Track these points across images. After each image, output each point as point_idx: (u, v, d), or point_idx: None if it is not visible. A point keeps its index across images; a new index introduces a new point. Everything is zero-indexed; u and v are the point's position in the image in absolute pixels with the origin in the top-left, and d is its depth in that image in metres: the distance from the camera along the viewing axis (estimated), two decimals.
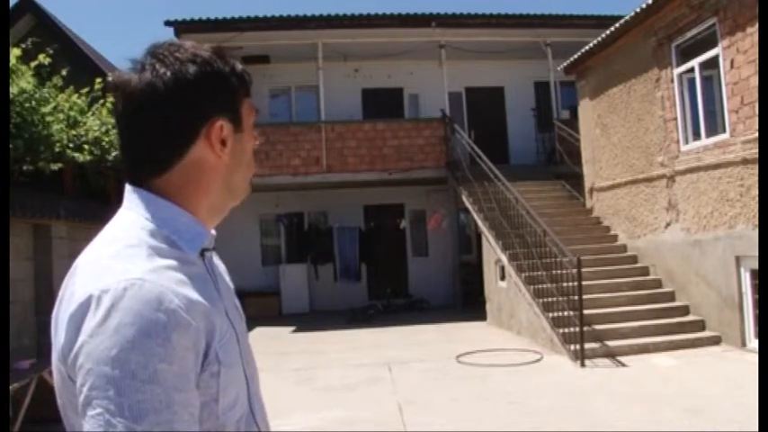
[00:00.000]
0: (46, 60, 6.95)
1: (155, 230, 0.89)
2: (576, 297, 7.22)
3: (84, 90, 8.17)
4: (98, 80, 8.38)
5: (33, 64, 6.78)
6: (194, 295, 0.84)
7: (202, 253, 0.96)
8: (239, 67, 0.98)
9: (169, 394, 0.76)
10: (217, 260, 1.07)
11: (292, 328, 11.38)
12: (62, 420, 0.87)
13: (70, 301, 0.82)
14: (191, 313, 0.81)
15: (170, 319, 0.78)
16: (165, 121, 0.91)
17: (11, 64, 6.19)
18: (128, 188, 0.94)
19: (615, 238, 10.09)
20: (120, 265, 0.82)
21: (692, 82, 8.25)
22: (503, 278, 9.98)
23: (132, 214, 0.91)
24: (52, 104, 6.80)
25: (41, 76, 7.01)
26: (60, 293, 0.87)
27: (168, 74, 0.90)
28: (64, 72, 7.58)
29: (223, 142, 0.93)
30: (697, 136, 8.15)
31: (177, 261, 0.87)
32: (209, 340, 0.85)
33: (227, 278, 1.10)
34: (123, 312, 0.77)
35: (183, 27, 12.32)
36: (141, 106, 0.90)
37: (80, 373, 0.77)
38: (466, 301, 12.41)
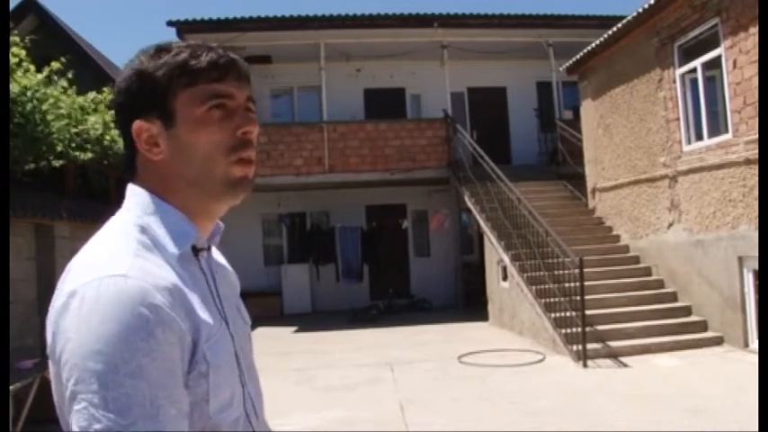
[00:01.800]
0: (57, 66, 7.01)
1: (144, 228, 0.89)
2: (579, 297, 7.21)
3: (91, 96, 8.23)
4: (106, 89, 8.46)
5: (47, 69, 6.84)
6: (179, 293, 0.84)
7: (197, 252, 0.95)
8: (181, 57, 0.92)
9: (153, 389, 0.76)
10: (221, 261, 1.06)
11: (294, 328, 11.39)
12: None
13: (59, 298, 0.83)
14: (175, 310, 0.81)
15: (153, 314, 0.78)
16: (117, 125, 0.98)
17: (14, 61, 6.22)
18: (128, 186, 0.96)
19: (617, 238, 10.08)
20: (105, 261, 0.82)
21: (694, 82, 8.23)
22: (505, 278, 9.97)
23: (127, 213, 0.92)
24: (51, 101, 6.80)
25: (50, 79, 7.07)
26: (55, 294, 0.87)
27: (115, 85, 0.97)
28: (70, 75, 7.63)
29: (155, 142, 0.92)
30: (699, 136, 8.14)
31: (164, 259, 0.87)
32: (196, 339, 0.84)
33: (234, 280, 1.08)
34: (106, 307, 0.77)
35: (185, 27, 12.34)
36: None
37: (65, 368, 0.77)
38: (468, 302, 12.41)
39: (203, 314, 0.87)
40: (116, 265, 0.81)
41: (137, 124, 0.92)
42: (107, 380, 0.74)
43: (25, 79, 6.23)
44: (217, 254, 1.06)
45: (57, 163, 6.76)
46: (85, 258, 0.86)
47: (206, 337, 0.86)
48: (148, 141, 0.92)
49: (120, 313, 0.76)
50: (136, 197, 0.93)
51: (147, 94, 0.91)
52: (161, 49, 0.94)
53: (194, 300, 0.87)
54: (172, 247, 0.89)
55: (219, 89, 0.92)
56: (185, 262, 0.91)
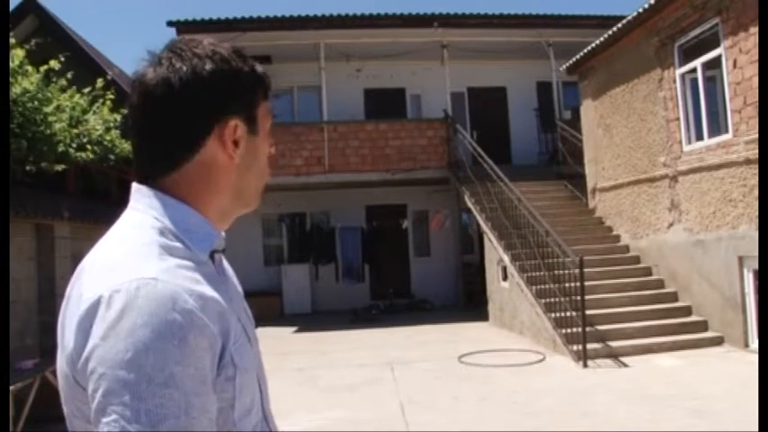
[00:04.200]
0: (56, 66, 6.99)
1: (165, 229, 0.85)
2: (579, 297, 7.22)
3: (87, 90, 8.19)
4: (99, 79, 8.40)
5: (44, 68, 6.81)
6: (209, 295, 0.80)
7: (212, 255, 0.93)
8: (260, 69, 0.95)
9: (187, 399, 0.72)
10: (225, 263, 1.05)
11: (294, 329, 11.39)
12: (65, 419, 0.84)
13: (78, 302, 0.78)
14: (206, 313, 0.78)
15: (185, 319, 0.75)
16: (178, 117, 0.88)
17: (17, 63, 6.21)
18: (134, 186, 0.91)
19: (618, 238, 10.08)
20: (130, 264, 0.78)
21: (694, 82, 8.24)
22: (505, 278, 9.97)
23: (140, 214, 0.87)
24: (54, 104, 6.81)
25: (49, 78, 7.05)
26: (66, 295, 0.84)
27: (184, 69, 0.87)
28: (69, 75, 7.62)
29: (236, 143, 0.90)
30: (700, 136, 8.14)
31: (189, 261, 0.84)
32: (225, 342, 0.81)
33: (237, 282, 1.07)
34: (137, 313, 0.73)
35: (185, 27, 12.31)
36: (155, 101, 0.88)
37: (92, 378, 0.73)
38: (468, 302, 12.43)
39: (229, 316, 0.84)
40: (143, 269, 0.77)
41: (233, 122, 0.90)
42: (139, 390, 0.70)
43: (26, 81, 6.22)
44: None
45: (59, 167, 6.76)
46: (105, 260, 0.81)
47: (233, 339, 0.83)
48: (235, 142, 0.91)
49: (151, 319, 0.73)
50: (148, 198, 0.88)
51: (240, 95, 0.91)
52: (239, 52, 0.95)
53: (221, 302, 0.84)
54: (195, 250, 0.87)
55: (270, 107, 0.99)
56: (204, 264, 0.88)
